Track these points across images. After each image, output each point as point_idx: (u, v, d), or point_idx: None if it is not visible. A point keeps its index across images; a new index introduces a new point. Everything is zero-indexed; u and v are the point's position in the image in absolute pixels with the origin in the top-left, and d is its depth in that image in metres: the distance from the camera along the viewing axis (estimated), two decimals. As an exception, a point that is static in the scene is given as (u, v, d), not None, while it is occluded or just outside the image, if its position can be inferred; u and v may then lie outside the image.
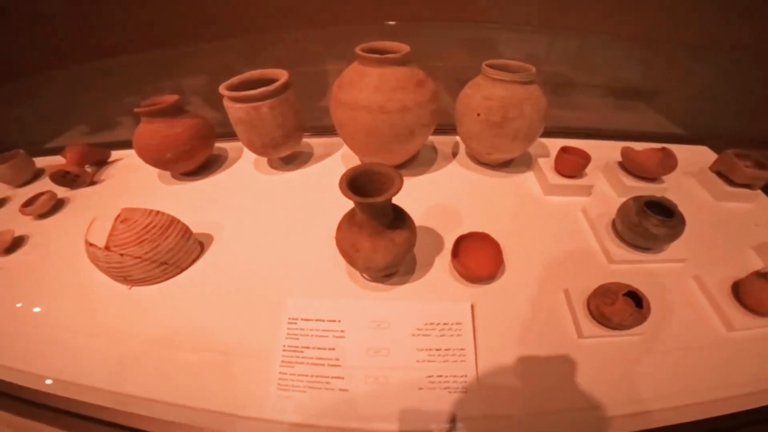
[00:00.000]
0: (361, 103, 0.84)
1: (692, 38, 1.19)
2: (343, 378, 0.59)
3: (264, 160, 1.09)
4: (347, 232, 0.66)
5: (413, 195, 0.93)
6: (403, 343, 0.63)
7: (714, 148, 1.22)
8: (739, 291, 0.72)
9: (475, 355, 0.63)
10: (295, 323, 0.65)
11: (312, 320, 0.66)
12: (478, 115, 0.90)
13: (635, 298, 0.66)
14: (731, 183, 1.04)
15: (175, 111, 0.97)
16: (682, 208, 0.91)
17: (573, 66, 1.40)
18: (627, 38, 1.23)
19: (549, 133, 1.16)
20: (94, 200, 1.04)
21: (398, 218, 0.67)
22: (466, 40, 1.28)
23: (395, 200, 0.64)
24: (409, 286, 0.75)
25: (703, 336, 0.68)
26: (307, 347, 0.63)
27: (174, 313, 0.72)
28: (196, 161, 1.03)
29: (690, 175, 1.11)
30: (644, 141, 1.21)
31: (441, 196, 0.97)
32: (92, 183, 1.10)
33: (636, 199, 0.81)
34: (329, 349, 0.62)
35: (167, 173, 1.08)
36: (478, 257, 0.77)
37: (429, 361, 0.61)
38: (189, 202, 0.99)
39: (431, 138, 1.12)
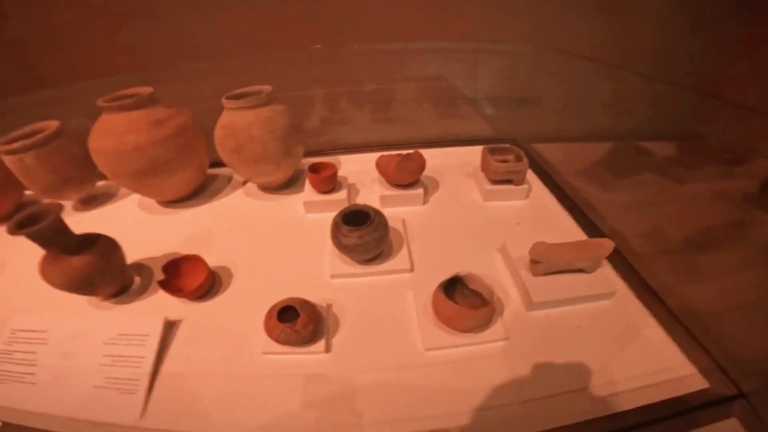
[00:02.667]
0: (100, 148, 0.93)
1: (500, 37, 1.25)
2: (34, 374, 0.71)
3: (69, 202, 1.18)
4: (41, 260, 0.76)
5: (183, 225, 1.04)
6: (94, 349, 0.73)
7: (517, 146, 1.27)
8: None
9: (158, 364, 0.70)
10: (14, 333, 0.77)
11: (26, 331, 0.77)
12: (219, 144, 0.98)
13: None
14: (491, 180, 1.07)
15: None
16: (447, 212, 1.00)
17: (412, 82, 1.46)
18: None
19: (357, 150, 1.28)
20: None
21: (85, 246, 0.76)
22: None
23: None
24: (135, 304, 0.84)
25: (400, 356, 0.68)
26: (16, 351, 0.75)
27: None
28: (2, 209, 1.12)
29: (469, 176, 1.16)
30: (455, 146, 1.31)
31: (209, 223, 1.05)
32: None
33: (341, 211, 0.86)
34: (30, 352, 0.74)
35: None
36: (189, 278, 0.84)
37: (110, 365, 0.70)
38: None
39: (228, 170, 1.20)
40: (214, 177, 1.23)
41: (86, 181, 1.11)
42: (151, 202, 1.14)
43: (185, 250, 0.93)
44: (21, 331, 0.77)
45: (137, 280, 0.88)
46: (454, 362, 0.67)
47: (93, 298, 0.84)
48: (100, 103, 0.93)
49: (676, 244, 0.83)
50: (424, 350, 0.68)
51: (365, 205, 0.86)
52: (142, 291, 0.86)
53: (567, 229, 0.96)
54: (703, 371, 0.65)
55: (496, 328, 0.70)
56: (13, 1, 1.08)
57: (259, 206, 1.10)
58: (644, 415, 0.58)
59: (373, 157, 1.19)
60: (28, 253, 0.94)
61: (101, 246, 0.78)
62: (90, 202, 1.17)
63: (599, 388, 0.62)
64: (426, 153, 1.08)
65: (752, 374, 0.61)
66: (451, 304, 0.67)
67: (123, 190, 1.21)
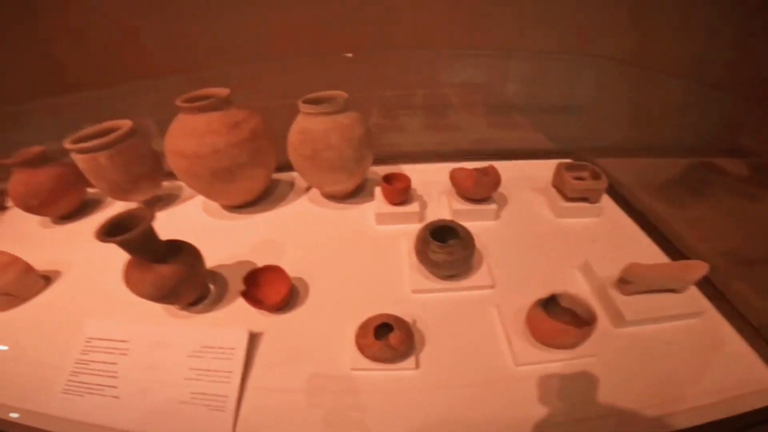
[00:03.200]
0: (178, 149, 0.91)
1: (573, 49, 1.23)
2: (116, 387, 0.68)
3: (133, 204, 1.16)
4: (126, 267, 0.73)
5: (251, 232, 1.02)
6: (178, 362, 0.69)
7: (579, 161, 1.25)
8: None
9: (245, 379, 0.68)
10: (90, 342, 0.74)
11: (105, 339, 0.74)
12: (294, 150, 0.95)
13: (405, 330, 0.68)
14: (566, 198, 1.04)
15: (40, 161, 1.05)
16: (519, 228, 0.97)
17: (464, 88, 1.44)
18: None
19: (420, 159, 1.26)
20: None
21: (171, 253, 0.73)
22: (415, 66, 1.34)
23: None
24: (213, 314, 0.81)
25: (490, 371, 0.67)
26: (94, 361, 0.71)
27: (12, 335, 0.81)
28: (65, 206, 1.12)
29: (538, 191, 1.12)
30: (517, 159, 1.27)
31: (278, 231, 1.03)
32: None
33: (426, 225, 0.84)
34: (111, 363, 0.71)
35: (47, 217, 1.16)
36: (270, 289, 0.81)
37: (197, 380, 0.67)
38: (53, 244, 1.07)
39: (294, 174, 1.19)
40: (276, 182, 1.21)
41: (154, 182, 1.10)
42: (215, 205, 1.12)
43: (256, 258, 0.91)
44: (98, 339, 0.75)
45: (212, 288, 0.85)
46: (545, 377, 0.66)
47: (168, 306, 0.82)
48: (178, 103, 0.91)
49: (755, 262, 0.86)
50: (515, 365, 0.68)
51: (451, 221, 0.84)
52: (218, 300, 0.84)
53: (644, 248, 0.93)
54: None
55: (587, 345, 0.68)
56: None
57: (328, 215, 1.08)
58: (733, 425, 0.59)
59: (435, 167, 1.21)
60: (95, 253, 0.96)
61: (187, 254, 0.75)
62: (154, 203, 1.16)
63: (690, 399, 0.63)
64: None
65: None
66: (553, 321, 0.65)
67: (186, 192, 1.20)
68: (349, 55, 1.24)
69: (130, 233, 0.64)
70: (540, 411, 0.61)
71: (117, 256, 0.84)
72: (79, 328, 0.76)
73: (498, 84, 1.43)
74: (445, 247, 0.78)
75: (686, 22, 1.10)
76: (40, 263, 0.91)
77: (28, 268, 0.89)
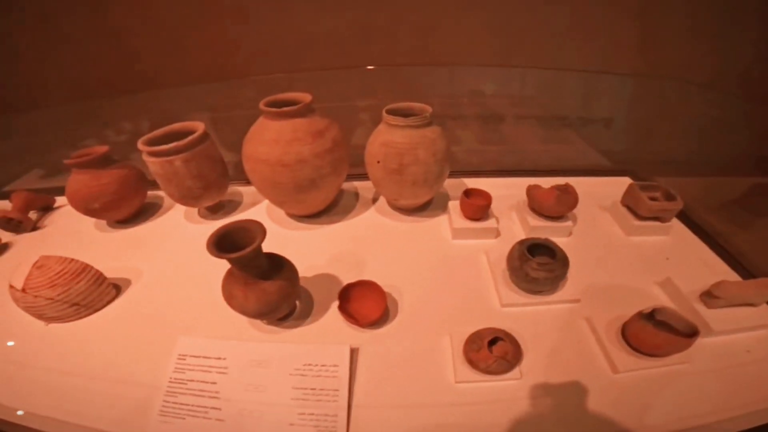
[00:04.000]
0: (261, 156, 0.89)
1: (627, 67, 1.24)
2: (220, 409, 0.64)
3: (194, 209, 1.14)
4: (226, 282, 0.71)
5: (323, 242, 1.00)
6: (280, 381, 0.67)
7: (637, 178, 1.26)
8: (625, 332, 0.74)
9: (349, 396, 0.65)
10: (184, 359, 0.71)
11: (200, 357, 0.71)
12: (378, 162, 0.94)
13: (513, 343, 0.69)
14: (639, 217, 1.05)
15: (103, 162, 1.02)
16: (592, 244, 0.98)
17: (513, 101, 1.44)
18: (564, 69, 1.28)
19: (476, 172, 1.25)
20: (35, 245, 1.08)
21: (274, 268, 0.71)
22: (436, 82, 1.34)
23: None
24: (302, 329, 0.79)
25: (588, 379, 0.69)
26: (192, 380, 0.68)
27: (84, 348, 0.78)
28: (126, 210, 1.08)
29: (605, 209, 1.13)
30: (573, 176, 1.25)
31: (351, 243, 1.01)
32: (35, 228, 1.15)
33: (521, 242, 0.83)
34: (211, 383, 0.67)
35: (103, 220, 1.13)
36: (363, 304, 0.79)
37: (303, 399, 0.65)
38: (116, 248, 1.04)
39: (356, 184, 1.17)
40: (341, 192, 1.19)
41: (222, 187, 1.07)
42: (280, 213, 1.10)
43: (336, 271, 0.90)
44: (192, 356, 0.71)
45: (297, 303, 0.83)
46: (641, 383, 0.68)
47: (254, 321, 0.80)
48: (262, 106, 0.89)
49: None
50: (612, 373, 0.70)
51: (547, 239, 0.83)
52: (305, 315, 0.81)
53: (715, 266, 0.94)
54: None
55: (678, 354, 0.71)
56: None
57: (401, 227, 1.06)
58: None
59: (501, 182, 1.21)
60: (163, 262, 0.97)
61: (288, 270, 0.73)
62: (218, 210, 1.14)
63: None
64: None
65: None
66: (662, 333, 0.68)
67: (247, 199, 1.18)
68: (371, 67, 1.24)
69: (245, 251, 0.62)
70: (640, 415, 0.63)
71: (190, 266, 0.83)
72: (161, 342, 0.75)
73: (549, 99, 1.43)
74: (545, 265, 0.78)
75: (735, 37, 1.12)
76: (106, 270, 0.87)
77: (101, 277, 0.86)
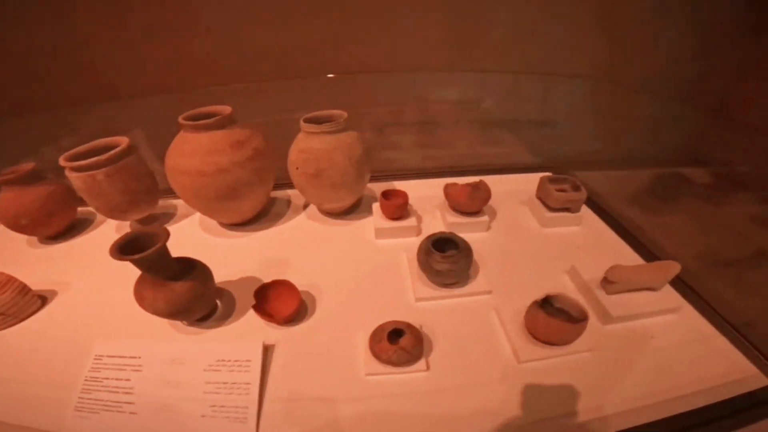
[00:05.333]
0: (181, 167, 0.92)
1: (556, 68, 1.31)
2: (134, 403, 0.68)
3: (126, 222, 1.15)
4: (137, 285, 0.74)
5: (252, 248, 1.04)
6: (194, 376, 0.70)
7: (560, 174, 1.31)
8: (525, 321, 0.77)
9: (262, 390, 0.69)
10: (100, 359, 0.74)
11: (115, 357, 0.74)
12: (297, 168, 0.98)
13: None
14: (550, 208, 1.12)
15: (30, 179, 1.03)
16: (509, 237, 1.05)
17: (452, 105, 1.50)
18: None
19: (411, 175, 1.32)
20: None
21: (184, 271, 0.75)
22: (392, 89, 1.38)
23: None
24: (222, 329, 0.82)
25: (494, 370, 0.72)
26: (107, 378, 0.71)
27: (8, 354, 0.80)
28: (57, 226, 1.09)
29: (524, 203, 1.20)
30: (504, 173, 1.35)
31: (279, 247, 1.05)
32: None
33: (428, 238, 0.89)
34: (125, 380, 0.71)
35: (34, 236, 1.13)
36: (280, 303, 0.83)
37: (215, 393, 0.68)
38: (46, 263, 1.05)
39: (289, 192, 1.21)
40: (273, 200, 1.23)
41: (151, 200, 1.09)
42: (211, 223, 1.13)
43: (262, 274, 0.93)
44: (107, 357, 0.74)
45: (219, 304, 0.87)
46: (544, 372, 0.71)
47: (177, 323, 0.83)
48: (181, 120, 0.92)
49: (724, 262, 0.95)
50: (517, 363, 0.73)
51: (452, 233, 0.89)
52: (226, 316, 0.85)
53: (622, 253, 1.01)
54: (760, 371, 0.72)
55: (581, 341, 0.74)
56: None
57: (328, 230, 1.10)
58: (710, 413, 0.66)
59: (427, 183, 1.27)
60: (90, 273, 0.98)
61: (199, 271, 0.77)
62: (150, 222, 1.16)
63: (672, 391, 0.69)
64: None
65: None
66: (551, 319, 0.71)
67: (181, 210, 1.20)
68: (331, 75, 1.28)
69: (148, 252, 0.65)
70: (544, 404, 0.66)
71: (116, 275, 0.86)
72: (83, 346, 0.76)
73: (482, 102, 1.50)
74: (448, 257, 0.83)
75: (651, 40, 1.22)
76: (33, 283, 0.89)
77: (25, 288, 0.88)
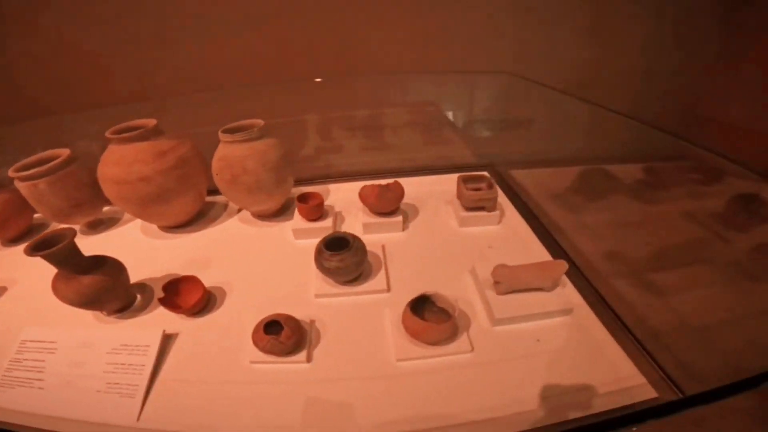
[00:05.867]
0: (108, 176, 1.02)
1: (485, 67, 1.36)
2: (43, 380, 0.78)
3: (77, 226, 1.26)
4: (54, 278, 0.84)
5: (183, 249, 1.14)
6: (98, 358, 0.81)
7: (495, 172, 1.39)
8: (404, 321, 0.77)
9: (155, 371, 0.79)
10: (25, 344, 0.85)
11: (36, 341, 0.85)
12: (217, 175, 1.07)
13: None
14: (465, 207, 1.16)
15: (-15, 188, 1.15)
16: (425, 237, 1.10)
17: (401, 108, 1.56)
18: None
19: (348, 177, 1.37)
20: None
21: (95, 266, 0.85)
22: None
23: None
24: (138, 319, 0.93)
25: (374, 367, 0.76)
26: (26, 359, 0.82)
27: None
28: (14, 230, 1.21)
29: (448, 203, 1.25)
30: (439, 173, 1.40)
31: (207, 248, 1.14)
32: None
33: (324, 237, 0.95)
34: (40, 360, 0.82)
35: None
36: (189, 295, 0.93)
37: (113, 372, 0.78)
38: (1, 263, 1.16)
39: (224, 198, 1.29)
40: (212, 204, 1.32)
41: (94, 206, 1.20)
42: (152, 227, 1.23)
43: (184, 272, 1.01)
44: (31, 341, 0.85)
45: (139, 297, 0.96)
46: (424, 372, 0.74)
47: (99, 313, 0.93)
48: (108, 134, 1.02)
49: (636, 263, 0.92)
50: (396, 361, 0.76)
51: (345, 232, 0.95)
52: (144, 308, 0.95)
53: (534, 252, 1.03)
54: (653, 382, 0.70)
55: (462, 342, 0.78)
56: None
57: (253, 232, 1.19)
58: (594, 422, 0.64)
59: (358, 185, 1.30)
60: (36, 272, 1.06)
61: (109, 267, 0.86)
62: (96, 226, 1.26)
63: (553, 399, 0.68)
64: (411, 181, 1.20)
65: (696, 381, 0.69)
66: (417, 319, 0.74)
67: (127, 216, 1.31)
68: (279, 84, 1.35)
69: (54, 248, 0.76)
70: (418, 404, 0.69)
71: (53, 273, 0.95)
72: (16, 334, 0.86)
73: (427, 103, 1.56)
74: (336, 255, 0.89)
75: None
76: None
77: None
